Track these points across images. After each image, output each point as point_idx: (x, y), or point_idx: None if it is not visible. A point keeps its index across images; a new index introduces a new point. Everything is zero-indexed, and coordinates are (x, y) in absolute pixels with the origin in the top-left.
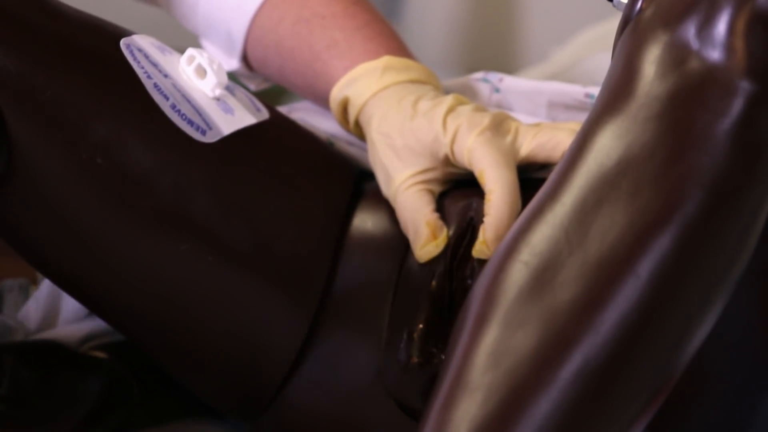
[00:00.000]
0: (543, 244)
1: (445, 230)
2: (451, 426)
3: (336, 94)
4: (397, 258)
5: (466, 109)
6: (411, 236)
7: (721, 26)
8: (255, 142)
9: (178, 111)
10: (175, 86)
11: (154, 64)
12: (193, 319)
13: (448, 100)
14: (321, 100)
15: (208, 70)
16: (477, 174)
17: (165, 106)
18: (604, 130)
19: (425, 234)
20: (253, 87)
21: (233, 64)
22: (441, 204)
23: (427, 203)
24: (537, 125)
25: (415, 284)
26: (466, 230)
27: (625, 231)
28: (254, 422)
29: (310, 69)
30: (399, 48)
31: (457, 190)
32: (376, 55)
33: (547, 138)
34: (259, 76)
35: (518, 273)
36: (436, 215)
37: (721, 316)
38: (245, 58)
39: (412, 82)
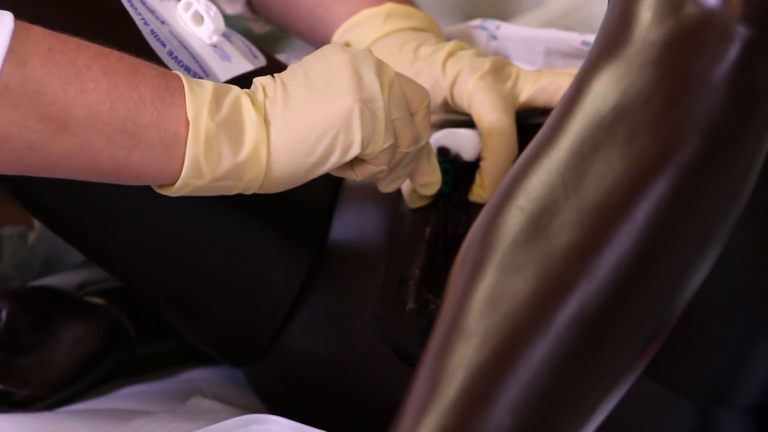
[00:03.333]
0: (539, 189)
1: None
2: (448, 371)
3: (337, 40)
4: (392, 205)
5: (467, 54)
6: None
7: None
8: None
9: (175, 58)
10: (172, 33)
11: (151, 11)
12: (190, 261)
13: (450, 45)
14: (322, 45)
15: (205, 16)
16: (475, 118)
17: (162, 53)
18: (601, 76)
19: None
20: (256, 29)
21: (237, 8)
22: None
23: None
24: (538, 71)
25: (409, 230)
26: (460, 177)
27: (622, 176)
28: (250, 369)
29: (312, 14)
30: None
31: None
32: (378, 2)
33: (548, 83)
34: (262, 18)
35: (514, 218)
36: None
37: (719, 261)
38: (249, 2)
39: (414, 29)
